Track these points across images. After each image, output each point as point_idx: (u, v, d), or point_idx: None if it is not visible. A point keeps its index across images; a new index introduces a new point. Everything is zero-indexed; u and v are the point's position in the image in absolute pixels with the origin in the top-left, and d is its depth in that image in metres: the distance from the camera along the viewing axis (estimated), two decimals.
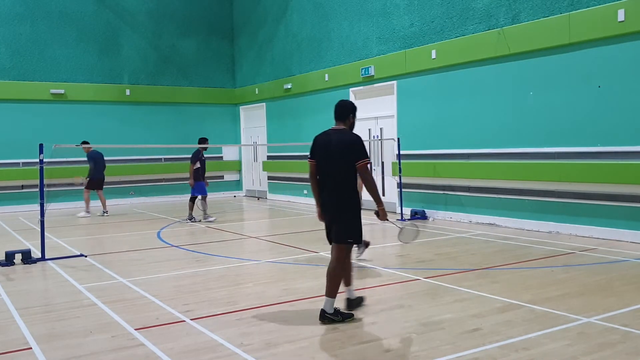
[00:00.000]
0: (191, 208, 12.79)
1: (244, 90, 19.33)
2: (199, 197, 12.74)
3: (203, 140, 13.01)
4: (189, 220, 12.66)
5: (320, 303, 5.23)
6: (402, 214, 12.25)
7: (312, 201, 15.36)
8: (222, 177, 19.24)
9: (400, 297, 5.84)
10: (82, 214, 14.23)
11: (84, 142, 13.89)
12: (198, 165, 12.52)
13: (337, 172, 5.11)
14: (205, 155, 12.94)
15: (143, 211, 15.22)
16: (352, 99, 14.51)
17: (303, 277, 6.80)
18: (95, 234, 11.46)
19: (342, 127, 5.28)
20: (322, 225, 5.30)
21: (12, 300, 6.09)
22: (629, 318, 4.98)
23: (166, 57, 18.60)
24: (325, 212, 5.22)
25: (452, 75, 11.71)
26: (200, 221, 12.58)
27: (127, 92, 17.72)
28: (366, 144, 14.18)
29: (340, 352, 4.33)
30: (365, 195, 6.57)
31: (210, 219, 12.70)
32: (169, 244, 9.66)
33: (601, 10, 9.05)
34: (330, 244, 5.23)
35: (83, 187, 14.43)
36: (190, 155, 12.95)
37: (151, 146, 17.28)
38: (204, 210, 12.80)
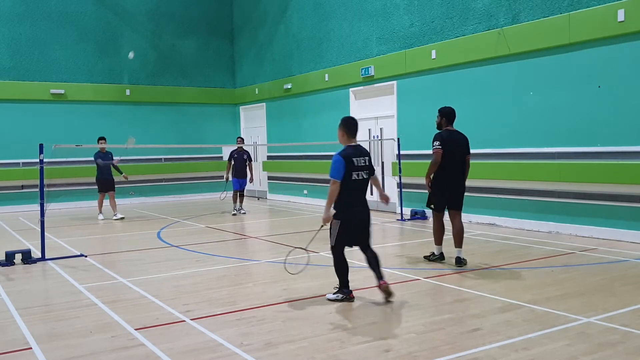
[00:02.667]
0: (240, 201, 14.16)
1: (244, 90, 19.32)
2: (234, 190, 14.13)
3: (238, 140, 14.57)
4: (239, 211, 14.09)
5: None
6: (402, 214, 12.24)
7: (311, 201, 15.45)
8: (222, 177, 19.18)
9: (401, 297, 5.84)
10: (102, 216, 13.79)
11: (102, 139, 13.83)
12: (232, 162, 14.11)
13: (461, 161, 7.42)
14: (236, 154, 14.12)
15: (143, 211, 15.22)
16: (352, 99, 14.55)
17: (303, 277, 6.79)
18: (96, 234, 11.45)
19: (454, 128, 7.49)
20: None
21: (12, 300, 6.09)
22: (629, 318, 4.98)
23: (166, 57, 18.59)
24: (451, 188, 7.42)
25: (452, 75, 11.70)
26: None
27: (127, 92, 17.72)
28: (365, 144, 14.22)
29: (340, 352, 4.33)
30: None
31: (235, 212, 13.96)
32: (169, 244, 9.65)
33: (601, 10, 9.05)
34: (444, 210, 7.59)
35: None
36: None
37: (151, 146, 17.27)
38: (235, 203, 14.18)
